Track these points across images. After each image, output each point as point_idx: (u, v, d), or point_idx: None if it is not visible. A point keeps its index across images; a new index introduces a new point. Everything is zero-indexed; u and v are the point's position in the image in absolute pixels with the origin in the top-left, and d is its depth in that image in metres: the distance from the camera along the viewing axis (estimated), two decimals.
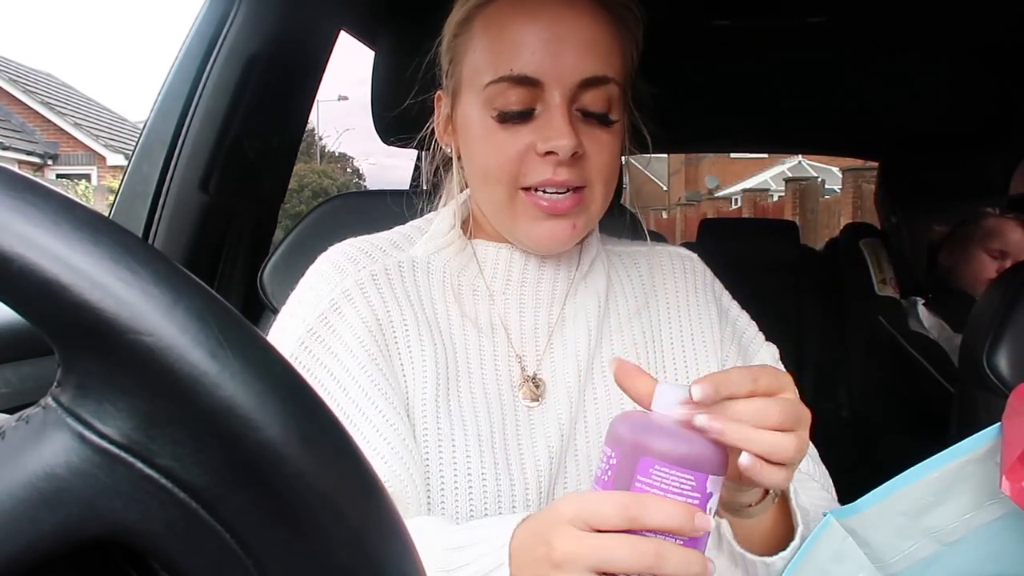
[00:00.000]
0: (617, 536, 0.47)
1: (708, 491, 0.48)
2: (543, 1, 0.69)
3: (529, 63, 0.68)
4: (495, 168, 0.70)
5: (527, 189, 0.70)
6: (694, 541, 0.48)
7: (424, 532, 0.58)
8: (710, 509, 0.49)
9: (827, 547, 0.60)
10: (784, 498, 0.63)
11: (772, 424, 0.50)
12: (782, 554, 0.62)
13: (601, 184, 0.72)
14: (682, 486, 0.48)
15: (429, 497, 0.67)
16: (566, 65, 0.68)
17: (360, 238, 0.78)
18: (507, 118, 0.69)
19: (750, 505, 0.60)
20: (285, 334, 0.71)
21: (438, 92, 0.78)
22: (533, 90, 0.68)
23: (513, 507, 0.68)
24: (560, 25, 0.68)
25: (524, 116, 0.69)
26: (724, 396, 0.50)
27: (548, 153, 0.68)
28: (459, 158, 0.77)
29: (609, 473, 0.49)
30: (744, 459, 0.50)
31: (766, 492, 0.60)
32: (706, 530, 0.48)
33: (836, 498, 0.74)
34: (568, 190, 0.70)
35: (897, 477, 0.58)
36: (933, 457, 0.58)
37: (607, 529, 0.48)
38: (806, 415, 0.53)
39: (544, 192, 0.70)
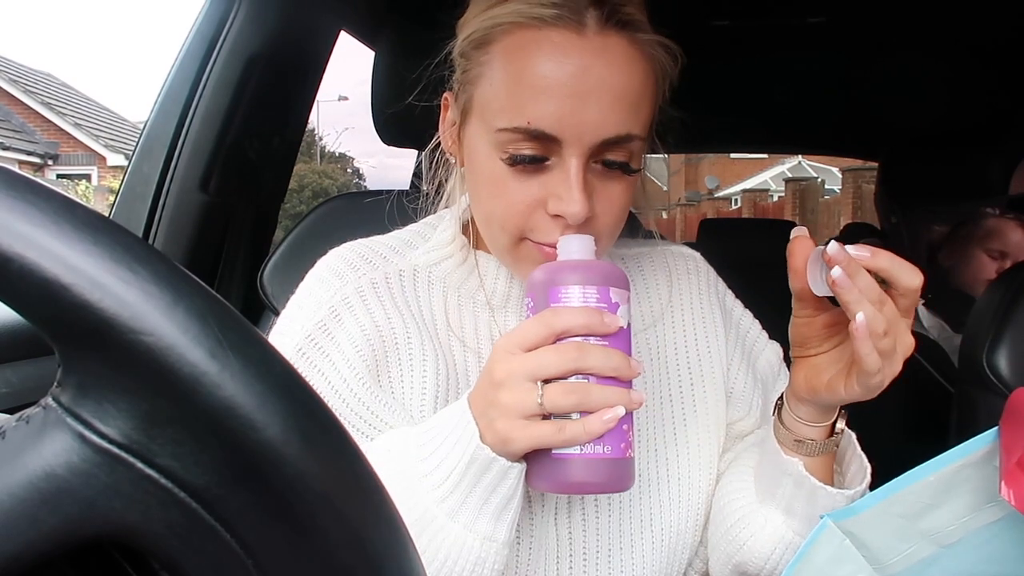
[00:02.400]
0: (543, 347, 0.55)
1: (614, 301, 0.56)
2: (571, 41, 0.62)
3: (547, 118, 0.61)
4: (501, 217, 0.66)
5: (532, 240, 0.67)
6: (616, 344, 0.56)
7: (394, 438, 0.64)
8: (620, 315, 0.56)
9: (825, 549, 0.60)
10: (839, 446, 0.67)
11: (876, 298, 0.56)
12: (859, 488, 0.65)
13: (608, 235, 0.68)
14: (586, 299, 0.56)
15: None
16: (588, 124, 0.62)
17: (360, 242, 0.77)
18: (518, 161, 0.64)
19: (814, 440, 0.64)
20: (284, 339, 0.70)
21: (446, 94, 0.74)
22: (549, 144, 0.63)
23: (518, 528, 0.66)
24: (588, 76, 0.61)
25: (536, 162, 0.64)
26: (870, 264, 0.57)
27: (557, 215, 0.64)
28: (462, 166, 0.74)
29: (528, 313, 0.58)
30: (859, 320, 0.55)
31: (831, 431, 0.65)
32: (617, 326, 0.56)
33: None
34: None
35: (894, 480, 0.59)
36: (930, 460, 0.58)
37: (532, 344, 0.55)
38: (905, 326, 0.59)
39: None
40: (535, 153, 0.63)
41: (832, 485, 0.65)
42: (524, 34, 0.63)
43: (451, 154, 0.75)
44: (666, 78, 0.69)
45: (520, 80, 0.63)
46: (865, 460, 0.67)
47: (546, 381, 0.54)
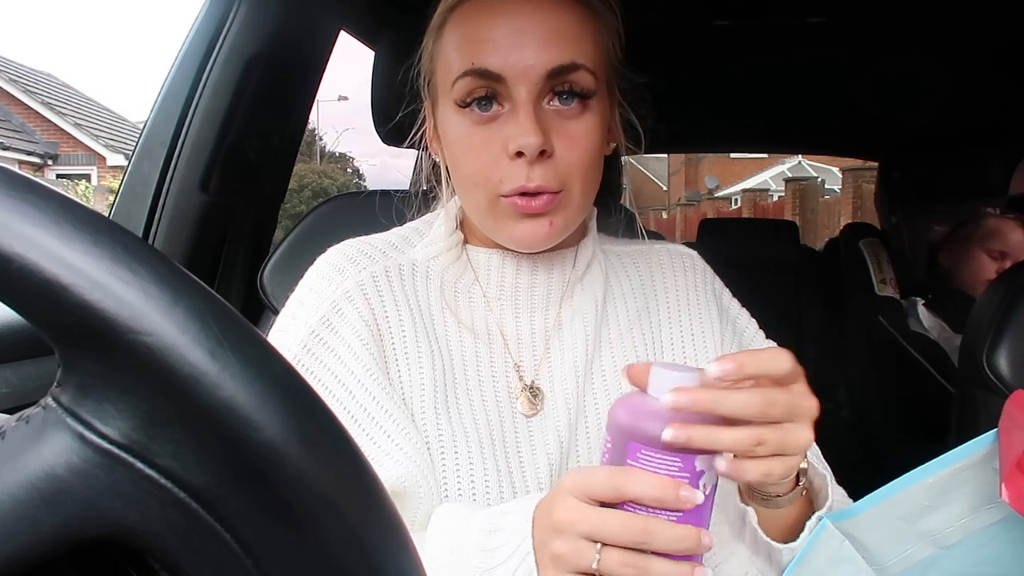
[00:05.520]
0: (610, 510, 0.50)
1: (698, 470, 0.50)
2: None
3: (490, 55, 0.67)
4: (472, 175, 0.70)
5: (504, 194, 0.69)
6: (691, 517, 0.50)
7: (458, 514, 0.61)
8: (703, 485, 0.51)
9: (824, 551, 0.60)
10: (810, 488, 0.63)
11: (756, 414, 0.50)
12: (803, 536, 0.62)
13: (579, 183, 0.69)
14: (669, 468, 0.50)
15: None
16: (528, 58, 0.66)
17: (358, 239, 0.78)
18: (470, 103, 0.68)
19: (778, 496, 0.61)
20: (287, 336, 0.71)
21: (426, 103, 0.78)
22: (498, 86, 0.67)
23: None
24: (520, 18, 0.67)
25: (488, 102, 0.68)
26: (743, 377, 0.50)
27: (518, 154, 0.66)
28: (446, 167, 0.76)
29: (605, 457, 0.53)
30: (719, 463, 0.50)
31: (796, 482, 0.60)
32: (693, 503, 0.49)
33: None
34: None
35: (893, 482, 0.59)
36: (929, 462, 0.58)
37: (599, 498, 0.51)
38: (804, 408, 0.52)
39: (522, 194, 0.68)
40: (486, 92, 0.68)
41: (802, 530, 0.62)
42: (467, 6, 0.70)
43: (434, 152, 0.78)
44: (610, 27, 0.72)
45: (466, 36, 0.69)
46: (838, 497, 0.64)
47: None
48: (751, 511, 0.62)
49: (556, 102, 0.68)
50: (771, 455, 0.51)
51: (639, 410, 0.51)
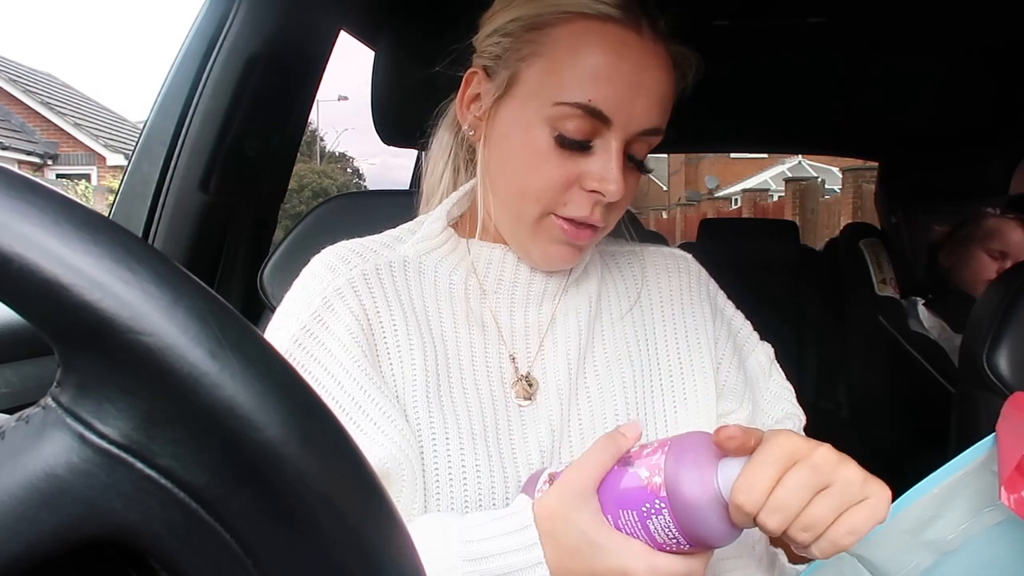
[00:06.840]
0: None
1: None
2: (633, 39, 0.69)
3: (608, 100, 0.68)
4: (537, 190, 0.71)
5: (559, 215, 0.72)
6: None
7: (432, 525, 0.62)
8: None
9: (832, 570, 0.60)
10: None
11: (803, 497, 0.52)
12: None
13: (615, 220, 0.75)
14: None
15: (425, 488, 0.68)
16: (637, 113, 0.69)
17: (351, 240, 0.79)
18: (566, 144, 0.69)
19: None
20: (280, 332, 0.72)
21: (473, 69, 0.76)
22: (599, 125, 0.69)
23: (507, 501, 0.69)
24: (643, 73, 0.69)
25: (583, 147, 0.70)
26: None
27: (594, 191, 0.69)
28: (481, 142, 0.76)
29: (672, 547, 0.57)
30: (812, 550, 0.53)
31: None
32: None
33: None
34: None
35: (901, 498, 0.58)
36: (933, 474, 0.59)
37: None
38: (826, 464, 0.54)
39: (573, 220, 0.72)
40: (581, 136, 0.69)
41: None
42: (588, 23, 0.69)
43: (471, 128, 0.77)
44: (681, 85, 0.76)
45: (585, 62, 0.69)
46: None
47: None
48: (781, 552, 0.65)
49: (631, 154, 0.72)
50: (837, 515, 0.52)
51: (717, 527, 0.55)
